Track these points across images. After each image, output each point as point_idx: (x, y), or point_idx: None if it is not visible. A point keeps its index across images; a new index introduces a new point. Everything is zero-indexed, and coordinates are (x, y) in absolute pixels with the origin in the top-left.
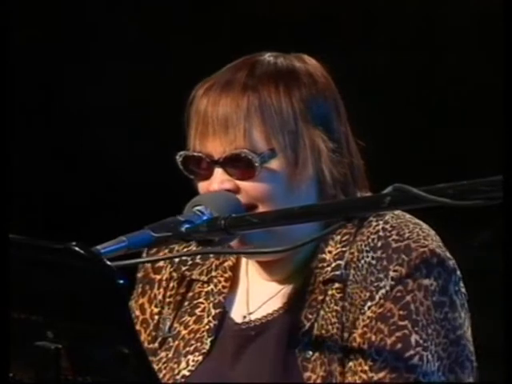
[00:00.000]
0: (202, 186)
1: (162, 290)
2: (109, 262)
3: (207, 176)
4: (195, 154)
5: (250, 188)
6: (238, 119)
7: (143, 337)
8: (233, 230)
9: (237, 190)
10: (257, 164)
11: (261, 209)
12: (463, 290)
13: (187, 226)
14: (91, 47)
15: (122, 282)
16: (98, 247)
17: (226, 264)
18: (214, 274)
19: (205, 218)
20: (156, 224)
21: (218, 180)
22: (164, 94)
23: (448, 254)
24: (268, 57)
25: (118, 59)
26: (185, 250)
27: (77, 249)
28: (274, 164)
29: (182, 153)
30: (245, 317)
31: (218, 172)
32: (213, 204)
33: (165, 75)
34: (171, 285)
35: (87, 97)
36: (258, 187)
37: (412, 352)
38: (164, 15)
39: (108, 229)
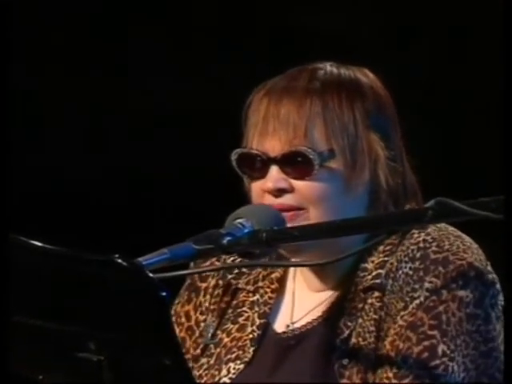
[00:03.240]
0: (256, 186)
1: (208, 297)
2: (151, 274)
3: (262, 175)
4: (252, 151)
5: (305, 188)
6: (300, 118)
7: (188, 344)
8: (274, 243)
9: (291, 190)
10: (315, 162)
11: (312, 211)
12: (502, 303)
13: (229, 238)
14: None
15: (164, 294)
16: (140, 259)
17: (273, 275)
18: (260, 284)
19: (246, 230)
20: (198, 236)
21: (274, 178)
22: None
23: (488, 268)
24: (330, 66)
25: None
26: (230, 260)
27: (119, 261)
28: (332, 164)
29: (237, 150)
30: (288, 326)
31: (274, 170)
32: (254, 217)
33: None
34: (216, 292)
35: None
36: (314, 187)
37: (438, 362)
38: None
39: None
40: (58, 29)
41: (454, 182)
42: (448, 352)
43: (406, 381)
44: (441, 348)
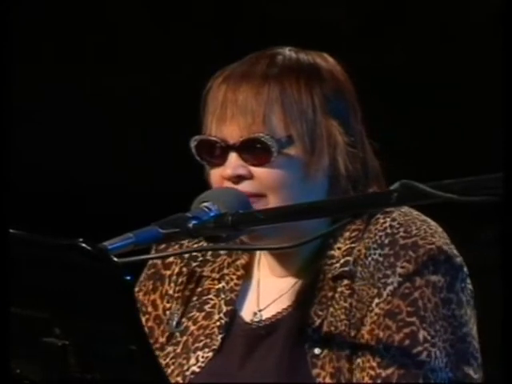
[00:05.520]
0: (215, 173)
1: (172, 284)
2: (116, 259)
3: (221, 162)
4: (210, 138)
5: (264, 174)
6: (258, 104)
7: (157, 333)
8: (240, 227)
9: (250, 177)
10: (274, 149)
11: (271, 198)
12: (470, 286)
13: (194, 222)
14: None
15: (128, 278)
16: (105, 243)
17: (238, 262)
18: (226, 271)
19: (212, 214)
20: (163, 220)
21: (232, 165)
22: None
23: (455, 251)
24: (288, 51)
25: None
26: (195, 246)
27: (84, 245)
28: (291, 151)
29: (196, 137)
30: (255, 314)
31: (233, 157)
32: (220, 200)
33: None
34: (180, 280)
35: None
36: (272, 173)
37: (420, 348)
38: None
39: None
40: (57, 30)
41: (424, 166)
42: (429, 338)
43: (391, 369)
44: (421, 334)
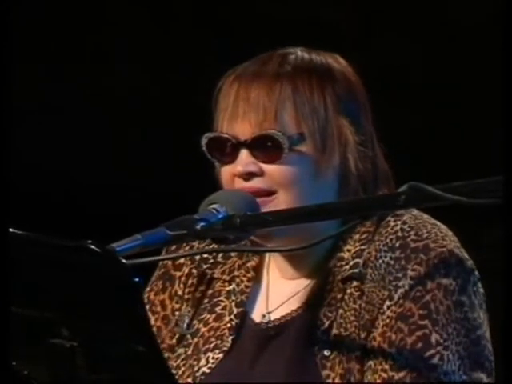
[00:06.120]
0: (225, 171)
1: (182, 285)
2: (124, 260)
3: (231, 160)
4: (222, 135)
5: (275, 171)
6: (270, 102)
7: (164, 333)
8: (248, 228)
9: (261, 174)
10: (285, 146)
11: (281, 195)
12: (481, 290)
13: (202, 224)
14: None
15: (137, 279)
16: (114, 245)
17: (248, 264)
18: (236, 273)
19: (220, 216)
20: (171, 222)
21: (243, 162)
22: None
23: (466, 255)
24: (300, 51)
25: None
26: (206, 248)
27: (92, 246)
28: (302, 148)
29: (207, 134)
30: (264, 316)
31: (244, 153)
32: (228, 202)
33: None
34: (190, 281)
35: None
36: (283, 170)
37: (432, 351)
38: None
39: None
40: (57, 30)
41: (429, 168)
42: (441, 341)
43: (404, 372)
44: (434, 337)
